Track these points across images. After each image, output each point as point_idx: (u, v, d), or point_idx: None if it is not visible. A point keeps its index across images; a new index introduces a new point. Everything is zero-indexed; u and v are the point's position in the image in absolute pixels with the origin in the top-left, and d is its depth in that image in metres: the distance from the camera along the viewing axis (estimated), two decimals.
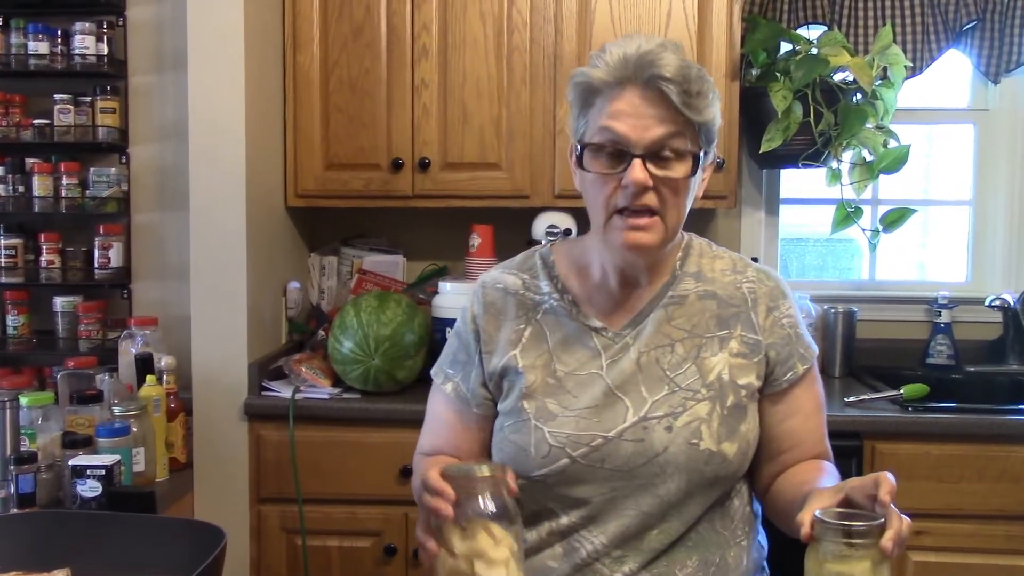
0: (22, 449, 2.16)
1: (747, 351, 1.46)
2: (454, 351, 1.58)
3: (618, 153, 1.36)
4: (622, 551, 1.41)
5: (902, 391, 2.61)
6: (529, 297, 1.53)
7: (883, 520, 1.15)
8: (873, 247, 3.05)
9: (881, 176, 2.89)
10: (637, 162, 1.33)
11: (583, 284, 1.51)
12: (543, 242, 1.53)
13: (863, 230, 2.94)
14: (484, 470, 1.17)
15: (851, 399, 2.58)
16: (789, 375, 1.48)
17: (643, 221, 1.36)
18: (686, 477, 1.39)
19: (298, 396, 2.60)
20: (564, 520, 1.44)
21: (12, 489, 2.09)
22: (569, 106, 1.46)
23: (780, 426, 1.49)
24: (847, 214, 2.90)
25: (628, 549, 1.41)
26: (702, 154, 1.38)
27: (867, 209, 3.02)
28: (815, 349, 1.53)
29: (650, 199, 1.35)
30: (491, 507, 1.14)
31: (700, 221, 3.10)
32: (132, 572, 1.18)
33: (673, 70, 1.34)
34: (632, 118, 1.34)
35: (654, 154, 1.34)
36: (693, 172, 1.37)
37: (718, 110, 1.42)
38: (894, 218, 2.91)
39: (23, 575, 1.18)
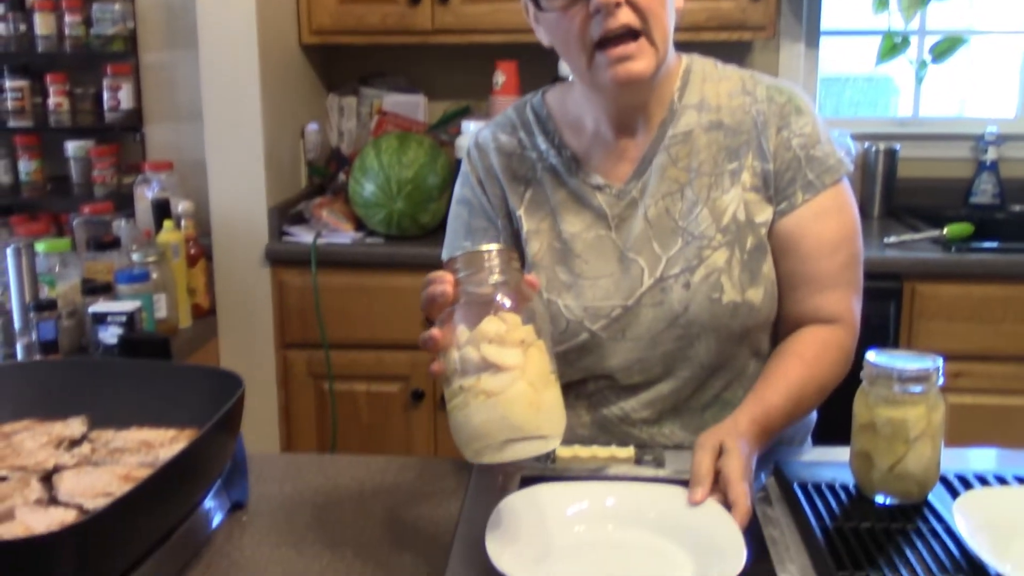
0: (42, 296, 2.13)
1: (760, 183, 1.30)
2: (467, 221, 1.41)
3: None
4: (654, 413, 1.33)
5: (945, 231, 2.52)
6: (527, 156, 1.38)
7: (940, 364, 1.07)
8: (919, 80, 2.89)
9: (930, 4, 2.71)
10: None
11: (580, 137, 1.36)
12: (570, 77, 1.38)
13: (910, 62, 2.77)
14: (491, 246, 1.00)
15: (891, 240, 2.50)
16: (783, 204, 1.30)
17: (629, 48, 1.20)
18: (713, 335, 1.28)
19: (320, 241, 2.54)
20: (591, 387, 1.35)
21: (34, 336, 2.07)
22: None
23: (776, 267, 1.31)
24: (893, 44, 2.74)
25: (662, 412, 1.33)
26: None
27: (914, 40, 2.85)
28: (840, 173, 1.31)
29: (626, 16, 1.18)
30: (500, 287, 0.97)
31: (735, 55, 2.94)
32: (150, 420, 1.14)
33: None
34: None
35: None
36: None
37: None
38: (944, 48, 2.75)
39: (37, 423, 1.15)
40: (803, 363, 1.26)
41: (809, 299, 1.30)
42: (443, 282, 0.98)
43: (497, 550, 0.94)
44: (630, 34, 1.20)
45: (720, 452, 1.09)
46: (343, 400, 2.59)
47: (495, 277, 0.98)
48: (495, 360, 0.93)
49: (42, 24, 2.68)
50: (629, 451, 1.22)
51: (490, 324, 0.94)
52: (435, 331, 0.97)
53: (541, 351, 0.96)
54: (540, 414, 0.93)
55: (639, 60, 1.21)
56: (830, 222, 1.30)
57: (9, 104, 2.75)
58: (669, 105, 1.33)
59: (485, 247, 1.00)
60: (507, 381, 0.92)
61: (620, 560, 1.00)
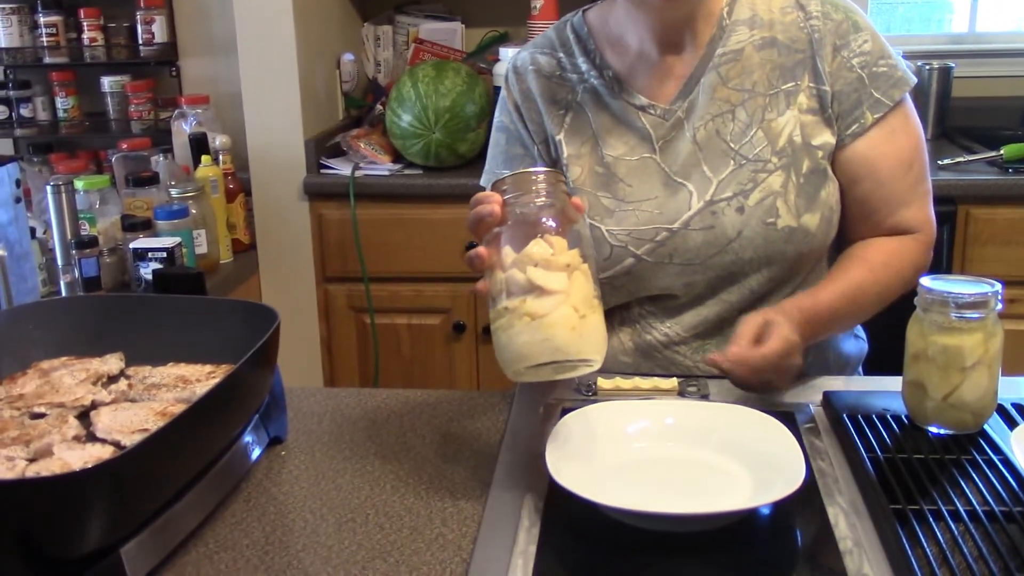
0: (82, 233, 2.13)
1: (817, 105, 1.25)
2: (504, 148, 1.38)
3: None
4: (702, 340, 1.29)
5: (1002, 152, 2.42)
6: (567, 78, 1.33)
7: (999, 289, 1.02)
8: None
9: None
10: None
11: (623, 56, 1.31)
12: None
13: None
14: (539, 168, 1.00)
15: (945, 162, 2.41)
16: (854, 127, 1.25)
17: None
18: (766, 260, 1.24)
19: (358, 173, 2.51)
20: (635, 311, 1.32)
21: (77, 273, 2.08)
22: None
23: (848, 193, 1.27)
24: None
25: (706, 336, 1.29)
26: None
27: None
28: (907, 86, 1.26)
29: None
30: (546, 210, 0.97)
31: None
32: (186, 355, 1.14)
33: None
34: None
35: None
36: None
37: None
38: None
39: (75, 360, 1.14)
40: (868, 267, 1.24)
41: (888, 219, 1.28)
42: (491, 202, 0.97)
43: (557, 466, 0.94)
44: None
45: (764, 326, 1.10)
46: (384, 333, 2.59)
47: (542, 199, 0.98)
48: (540, 283, 0.92)
49: None
50: (672, 382, 1.19)
51: (536, 247, 0.94)
52: (481, 249, 0.97)
53: (586, 275, 0.96)
54: (583, 338, 0.93)
55: None
56: (902, 139, 1.27)
57: (44, 40, 2.73)
58: (718, 21, 1.28)
59: (533, 169, 0.99)
60: (551, 304, 0.92)
61: (680, 476, 1.01)
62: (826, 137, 1.25)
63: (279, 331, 1.05)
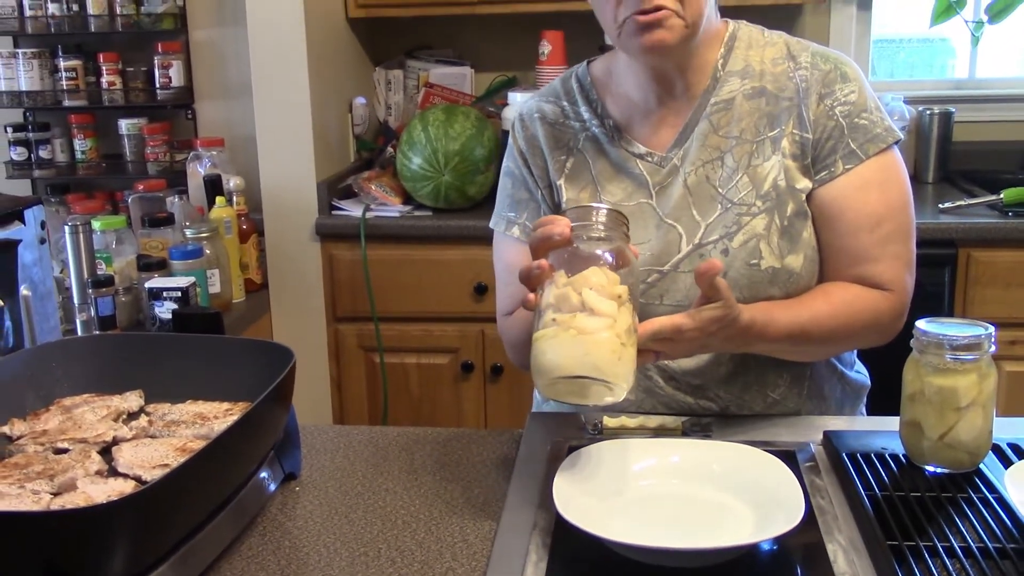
0: (99, 272, 2.18)
1: (799, 152, 1.27)
2: (510, 192, 1.42)
3: None
4: (702, 379, 1.31)
5: (1002, 195, 2.46)
6: (569, 126, 1.38)
7: (992, 331, 1.06)
8: (975, 41, 2.81)
9: None
10: None
11: (623, 106, 1.36)
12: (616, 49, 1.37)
13: (965, 22, 2.70)
14: (604, 205, 1.07)
15: (946, 205, 2.45)
16: (823, 174, 1.27)
17: (656, 16, 1.19)
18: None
19: (369, 214, 2.56)
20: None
21: (93, 312, 2.12)
22: None
23: (817, 237, 1.28)
24: (949, 5, 2.66)
25: (708, 378, 1.31)
26: None
27: (970, 0, 2.77)
28: (887, 142, 1.27)
29: None
30: (607, 244, 1.03)
31: (785, 18, 2.90)
32: (204, 393, 1.17)
33: None
34: None
35: None
36: None
37: None
38: (1000, 7, 2.66)
39: (96, 396, 1.18)
40: (826, 301, 1.25)
41: (850, 270, 1.28)
42: (562, 225, 1.03)
43: (564, 502, 0.97)
44: (657, 7, 1.20)
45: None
46: (393, 372, 2.62)
47: (605, 234, 1.04)
48: (593, 304, 0.98)
49: (94, 4, 2.72)
50: (677, 421, 1.22)
51: (595, 273, 1.00)
52: (544, 262, 1.02)
53: (630, 312, 1.01)
54: (620, 363, 0.98)
55: (666, 29, 1.21)
56: (873, 194, 1.27)
57: (64, 84, 2.81)
58: (712, 72, 1.32)
59: (602, 205, 1.06)
60: (599, 325, 0.97)
61: (684, 512, 1.04)
62: (805, 182, 1.28)
63: (295, 370, 1.09)
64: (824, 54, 1.32)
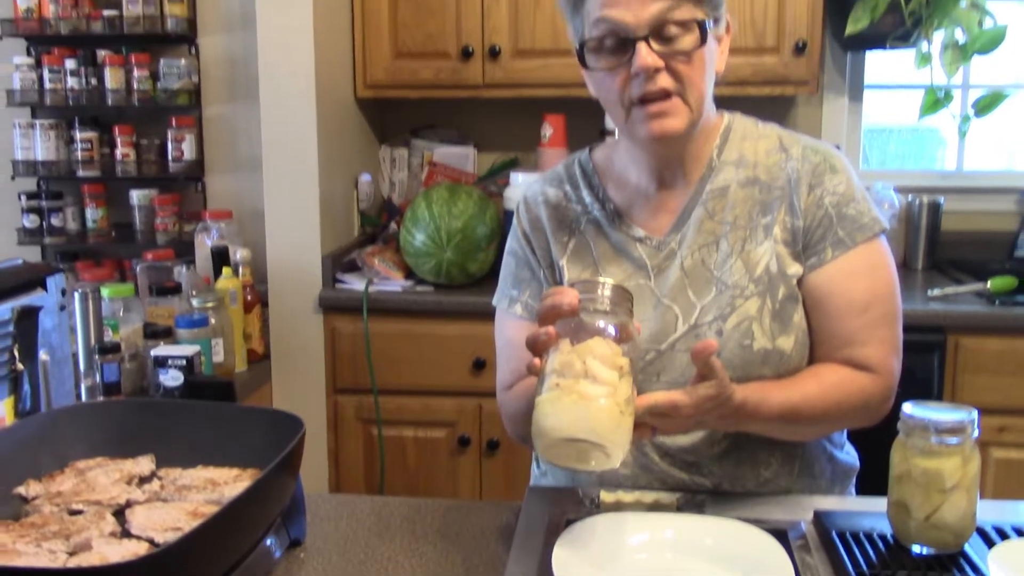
0: (106, 339, 2.22)
1: (790, 238, 1.34)
2: (514, 271, 1.48)
3: (620, 42, 1.27)
4: (696, 456, 1.35)
5: (989, 284, 2.53)
6: (572, 209, 1.45)
7: (976, 416, 1.10)
8: (962, 134, 2.91)
9: (974, 58, 2.74)
10: (641, 45, 1.25)
11: (623, 191, 1.43)
12: (616, 134, 1.45)
13: (953, 116, 2.80)
14: (610, 280, 1.12)
15: (935, 292, 2.51)
16: (812, 260, 1.33)
17: (664, 106, 1.27)
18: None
19: (371, 289, 2.61)
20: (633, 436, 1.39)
21: (98, 378, 2.15)
22: (562, 10, 1.37)
23: (807, 320, 1.34)
24: (936, 99, 2.76)
25: (702, 455, 1.35)
26: (709, 22, 1.29)
27: (957, 94, 2.88)
28: (874, 231, 1.33)
29: (664, 81, 1.26)
30: (611, 318, 1.08)
31: (779, 108, 2.99)
32: (214, 459, 1.21)
33: None
34: (626, 0, 1.26)
35: (657, 33, 1.25)
36: (702, 42, 1.27)
37: None
38: (987, 103, 2.77)
39: (109, 460, 1.21)
40: (817, 382, 1.30)
41: (838, 352, 1.33)
42: (571, 296, 1.09)
43: (563, 573, 1.01)
44: (665, 94, 1.27)
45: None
46: (391, 445, 2.65)
47: (610, 308, 1.10)
48: (595, 372, 1.03)
49: (112, 78, 2.81)
50: (672, 497, 1.26)
51: (599, 344, 1.05)
52: (551, 329, 1.08)
53: (630, 384, 1.06)
54: (617, 430, 1.03)
55: (673, 117, 1.28)
56: (860, 281, 1.33)
57: (79, 155, 2.88)
58: (708, 162, 1.39)
59: (610, 280, 1.12)
60: (600, 392, 1.02)
61: None
62: (796, 268, 1.35)
63: (304, 439, 1.13)
64: (814, 147, 1.39)
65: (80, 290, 2.19)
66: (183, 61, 2.86)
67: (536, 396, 1.05)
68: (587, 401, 1.01)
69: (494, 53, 2.72)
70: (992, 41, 2.67)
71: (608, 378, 1.03)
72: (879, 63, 3.03)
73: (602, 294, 1.10)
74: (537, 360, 1.09)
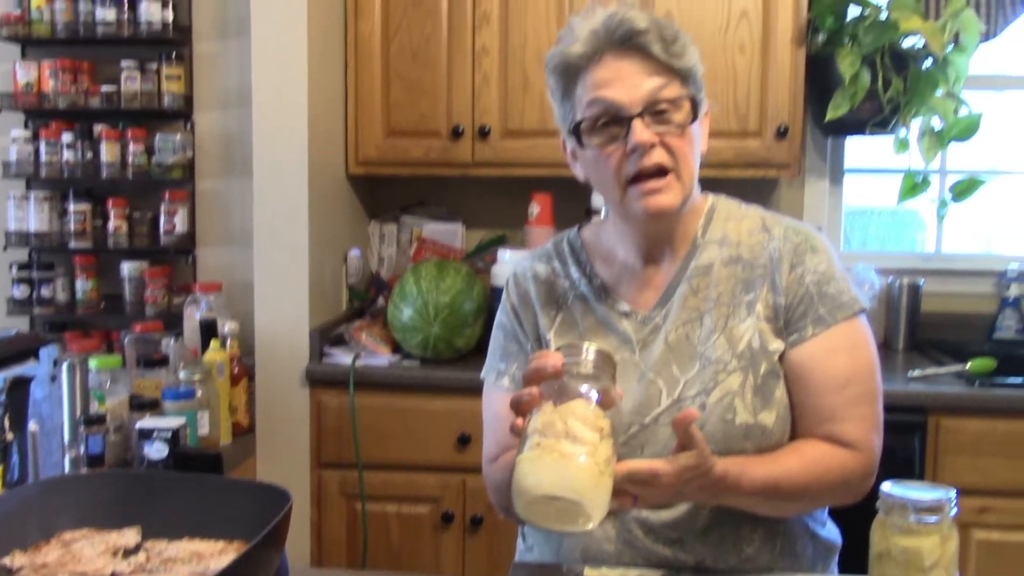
0: (91, 411, 2.22)
1: (772, 315, 1.38)
2: (502, 344, 1.52)
3: (615, 120, 1.32)
4: (679, 532, 1.37)
5: (968, 366, 2.56)
6: (560, 284, 1.49)
7: (954, 495, 1.12)
8: (941, 218, 2.98)
9: (951, 145, 2.82)
10: (637, 122, 1.30)
11: (610, 267, 1.48)
12: (602, 213, 1.50)
13: (931, 201, 2.87)
14: (594, 345, 1.15)
15: (915, 373, 2.54)
16: (794, 336, 1.37)
17: (659, 183, 1.32)
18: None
19: (358, 363, 2.62)
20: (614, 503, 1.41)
21: (82, 450, 2.15)
22: (551, 95, 1.42)
23: (789, 396, 1.37)
24: (915, 184, 2.84)
25: (685, 531, 1.36)
26: (697, 96, 1.35)
27: (935, 179, 2.95)
28: (853, 309, 1.37)
29: (660, 156, 1.31)
30: (593, 382, 1.11)
31: (762, 191, 3.06)
32: (200, 532, 1.21)
33: (645, 21, 1.31)
34: (619, 81, 1.31)
35: (650, 110, 1.31)
36: (694, 116, 1.33)
37: (696, 55, 1.37)
38: (964, 188, 2.84)
39: (94, 532, 1.21)
40: (798, 458, 1.32)
41: (819, 428, 1.36)
42: (555, 359, 1.13)
43: None
44: (660, 171, 1.32)
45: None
46: (374, 520, 2.64)
47: (593, 371, 1.13)
48: (576, 432, 1.06)
49: (107, 152, 2.86)
50: (655, 574, 1.26)
51: (580, 405, 1.08)
52: (535, 390, 1.11)
53: (610, 446, 1.09)
54: (596, 490, 1.05)
55: (667, 193, 1.33)
56: (840, 358, 1.36)
57: (72, 226, 2.91)
58: (693, 240, 1.44)
59: (595, 346, 1.15)
60: (580, 451, 1.04)
61: None
62: (778, 344, 1.38)
63: (291, 512, 1.13)
64: (796, 228, 1.44)
65: (67, 361, 2.20)
66: (178, 136, 2.91)
67: (517, 455, 1.07)
68: (567, 459, 1.03)
69: (484, 133, 2.78)
70: (967, 129, 2.75)
71: (589, 438, 1.05)
72: (859, 147, 3.11)
73: (586, 358, 1.13)
74: (520, 420, 1.11)
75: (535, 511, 1.06)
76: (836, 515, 1.52)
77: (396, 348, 2.73)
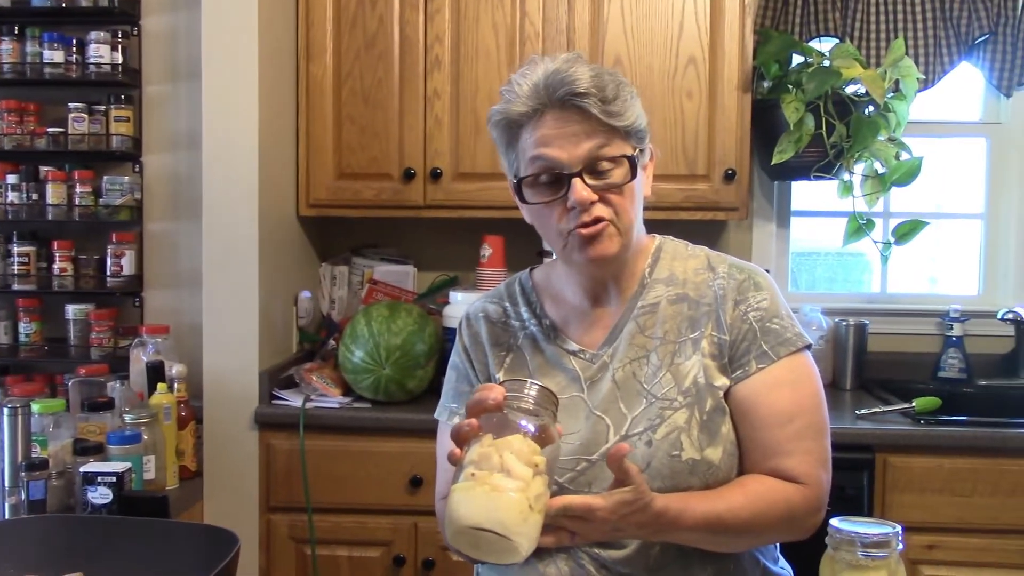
0: (33, 456, 2.17)
1: (717, 352, 1.40)
2: (454, 384, 1.55)
3: (556, 178, 1.36)
4: (631, 569, 1.36)
5: (914, 404, 2.60)
6: (511, 324, 1.52)
7: (900, 530, 1.14)
8: (885, 260, 3.04)
9: (893, 189, 2.89)
10: (577, 181, 1.33)
11: (560, 308, 1.50)
12: (553, 254, 1.52)
13: (875, 243, 2.93)
14: (537, 383, 1.17)
15: (863, 412, 2.58)
16: (738, 372, 1.39)
17: (598, 228, 1.35)
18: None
19: (308, 405, 2.60)
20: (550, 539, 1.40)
21: (23, 496, 2.09)
22: (496, 145, 1.45)
23: (735, 431, 1.39)
24: (859, 226, 2.90)
25: (636, 568, 1.36)
26: (636, 154, 1.38)
27: (879, 222, 3.02)
28: (796, 345, 1.39)
29: (598, 211, 1.34)
30: (533, 418, 1.13)
31: (711, 233, 3.10)
32: (148, 574, 1.19)
33: (587, 83, 1.34)
34: (560, 139, 1.34)
35: (590, 168, 1.34)
36: (632, 175, 1.36)
37: (639, 108, 1.40)
38: (906, 231, 2.91)
39: None
40: (742, 492, 1.33)
41: (765, 463, 1.37)
42: (497, 392, 1.15)
43: None
44: (599, 220, 1.35)
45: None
46: (324, 564, 2.60)
47: (533, 408, 1.15)
48: (510, 466, 1.07)
49: (53, 194, 2.81)
50: None
51: (517, 440, 1.10)
52: (474, 422, 1.13)
53: (544, 483, 1.10)
54: (525, 525, 1.06)
55: (607, 241, 1.36)
56: (784, 392, 1.38)
57: (15, 268, 2.86)
58: (640, 279, 1.47)
59: (539, 383, 1.17)
60: (512, 486, 1.06)
61: None
62: (723, 380, 1.40)
63: (239, 555, 1.12)
64: (740, 266, 1.47)
65: (8, 405, 2.15)
66: (127, 178, 2.88)
67: (452, 484, 1.09)
68: (498, 493, 1.05)
69: (435, 175, 2.79)
70: (909, 173, 2.83)
71: (522, 473, 1.07)
72: (806, 190, 3.17)
73: (528, 394, 1.15)
74: (458, 450, 1.12)
75: (464, 541, 1.08)
76: (788, 551, 1.53)
77: (347, 390, 2.71)
